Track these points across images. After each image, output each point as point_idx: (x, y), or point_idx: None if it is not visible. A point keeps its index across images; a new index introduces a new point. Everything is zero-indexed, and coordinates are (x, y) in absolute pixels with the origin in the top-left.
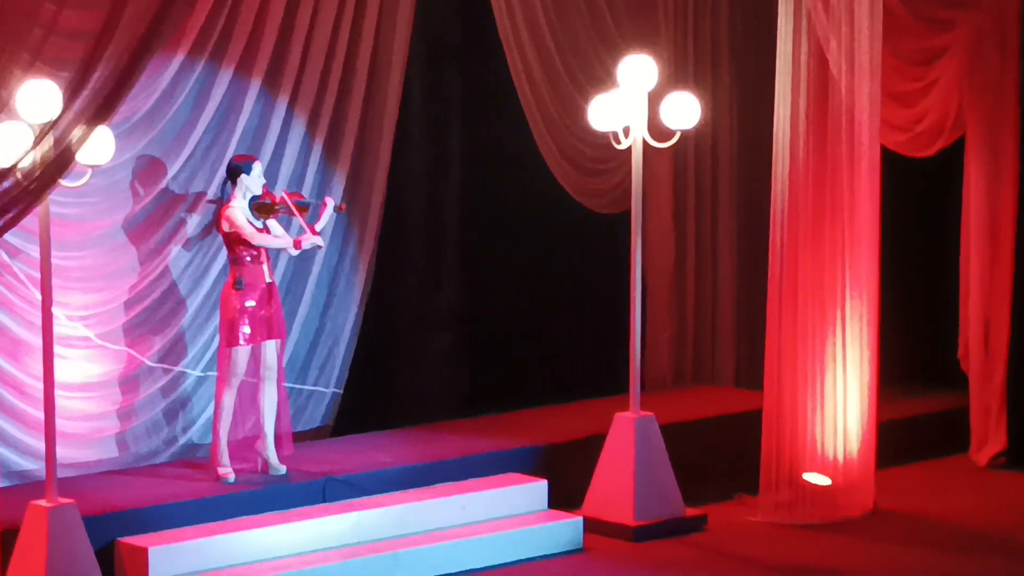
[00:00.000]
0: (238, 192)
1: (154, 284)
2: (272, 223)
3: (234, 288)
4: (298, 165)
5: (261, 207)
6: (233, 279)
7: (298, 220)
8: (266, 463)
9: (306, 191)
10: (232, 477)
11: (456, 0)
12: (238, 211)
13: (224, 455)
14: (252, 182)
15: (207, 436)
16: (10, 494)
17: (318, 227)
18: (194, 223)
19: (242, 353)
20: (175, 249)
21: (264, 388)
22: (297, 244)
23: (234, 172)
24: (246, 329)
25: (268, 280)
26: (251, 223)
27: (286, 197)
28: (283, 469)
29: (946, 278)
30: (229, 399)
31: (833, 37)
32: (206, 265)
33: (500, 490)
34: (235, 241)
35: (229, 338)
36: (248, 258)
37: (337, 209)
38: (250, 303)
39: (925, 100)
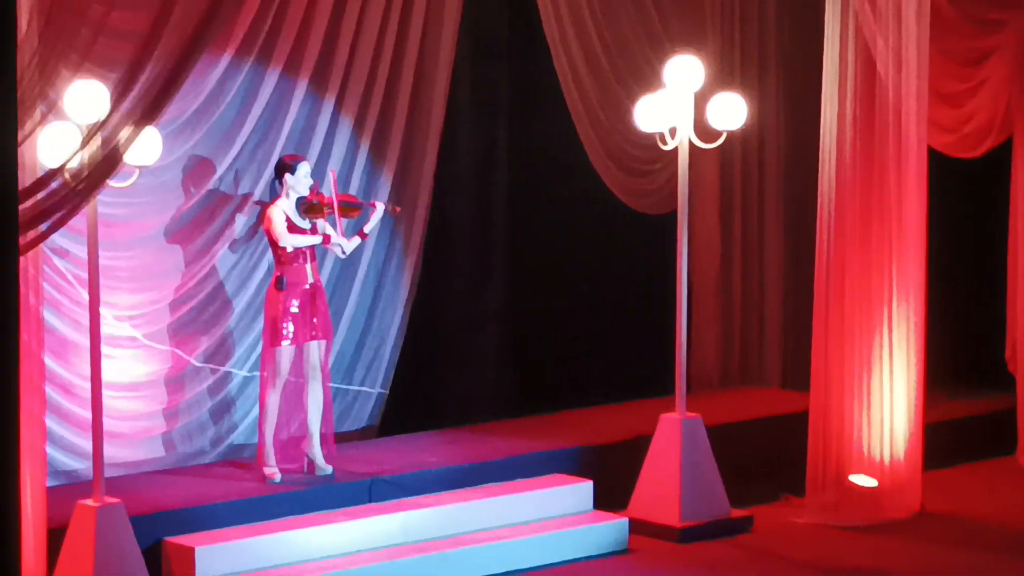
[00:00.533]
0: (284, 192)
1: (201, 284)
2: (324, 224)
3: (276, 288)
4: (345, 165)
5: (308, 207)
6: (276, 279)
7: (345, 221)
8: (312, 463)
9: (352, 191)
10: (278, 477)
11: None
12: (278, 211)
13: (270, 455)
14: (298, 182)
15: (253, 436)
16: (58, 493)
17: (366, 229)
18: (241, 224)
19: (286, 353)
20: (222, 249)
21: (309, 388)
22: (326, 241)
23: (280, 171)
24: (289, 329)
25: (311, 280)
26: (295, 223)
27: (334, 198)
28: (329, 469)
29: (994, 279)
30: (274, 399)
31: (881, 37)
32: (252, 265)
33: (546, 491)
34: (275, 240)
35: (272, 338)
36: (291, 258)
37: (392, 211)
38: (293, 303)
39: (973, 100)
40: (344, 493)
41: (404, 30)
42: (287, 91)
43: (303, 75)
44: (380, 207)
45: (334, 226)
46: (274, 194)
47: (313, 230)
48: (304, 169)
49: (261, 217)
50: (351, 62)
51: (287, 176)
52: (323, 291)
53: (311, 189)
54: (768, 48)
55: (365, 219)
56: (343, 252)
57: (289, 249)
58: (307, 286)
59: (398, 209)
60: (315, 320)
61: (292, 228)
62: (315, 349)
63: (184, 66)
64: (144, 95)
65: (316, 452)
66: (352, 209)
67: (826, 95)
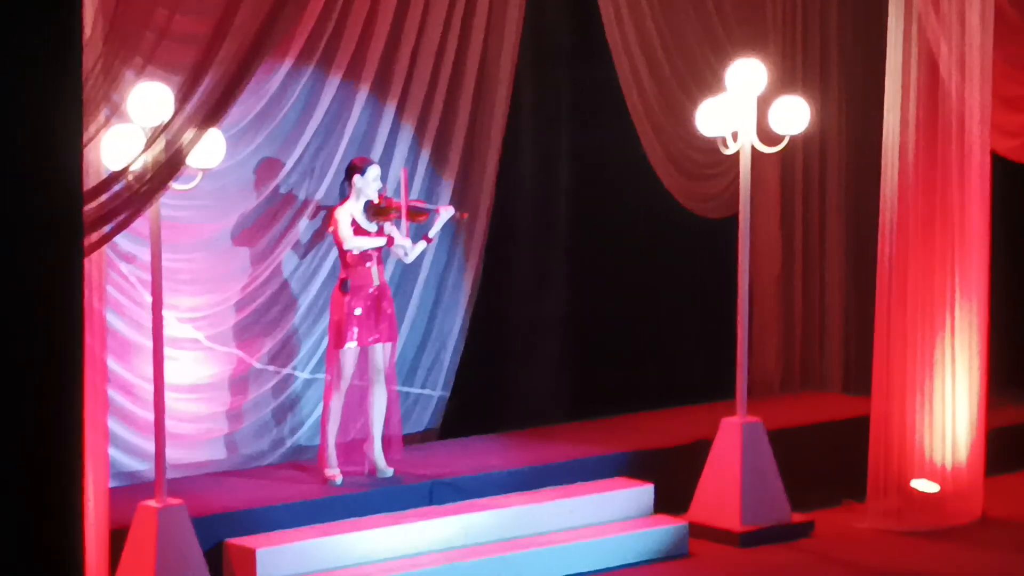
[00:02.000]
0: (353, 194)
1: (263, 286)
2: (390, 227)
3: (341, 290)
4: (408, 166)
5: (376, 210)
6: (341, 281)
7: (411, 225)
8: (374, 466)
9: (414, 195)
10: (339, 479)
11: (565, 3)
12: (344, 213)
13: (332, 457)
14: (367, 185)
15: (315, 438)
16: (120, 494)
17: (431, 233)
18: (304, 227)
19: (349, 356)
20: (284, 252)
21: (373, 391)
22: (390, 242)
23: (350, 173)
24: (353, 332)
25: (377, 283)
26: (360, 226)
27: (403, 200)
28: (390, 472)
29: None
30: (337, 402)
31: (944, 41)
32: (315, 267)
33: (606, 494)
34: (340, 243)
35: (336, 340)
36: (356, 260)
37: (459, 218)
38: (357, 305)
39: None
40: (405, 496)
41: (466, 34)
42: (348, 95)
43: (364, 79)
44: (447, 212)
45: (400, 229)
46: (342, 196)
47: (380, 233)
48: (373, 172)
49: (328, 220)
50: (413, 66)
51: (356, 178)
52: (389, 294)
53: (379, 193)
54: (830, 52)
55: (431, 224)
56: (405, 254)
57: (354, 251)
58: (372, 289)
59: (465, 216)
60: (380, 323)
61: (358, 230)
62: (379, 352)
63: (246, 70)
64: (207, 98)
65: (378, 455)
66: (419, 213)
67: (888, 99)
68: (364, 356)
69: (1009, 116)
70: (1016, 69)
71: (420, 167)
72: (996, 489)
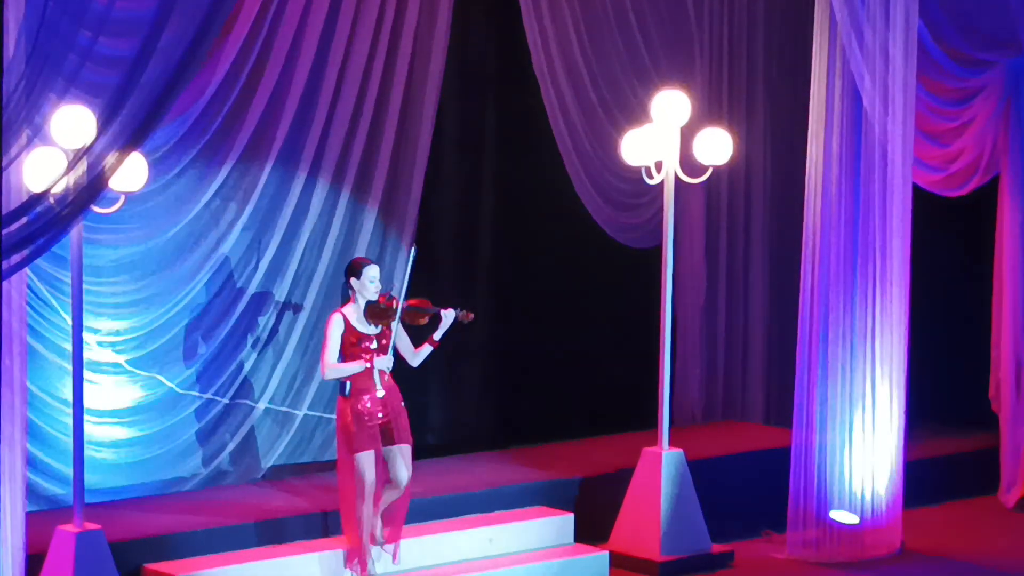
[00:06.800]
0: (354, 296)
1: (185, 311)
2: (397, 326)
3: (341, 394)
4: (330, 195)
5: (374, 312)
6: (341, 384)
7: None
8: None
9: (337, 221)
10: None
11: (491, 31)
12: (338, 322)
13: (367, 559)
14: (363, 287)
15: (235, 462)
16: (38, 519)
17: (436, 336)
18: (228, 250)
19: (366, 462)
20: (207, 276)
21: (385, 496)
22: (371, 365)
23: (347, 275)
24: (363, 437)
25: (380, 393)
26: (356, 328)
27: (406, 305)
28: (390, 549)
29: (979, 317)
30: (367, 509)
31: (867, 73)
32: (237, 293)
33: (527, 522)
34: (344, 344)
35: (347, 446)
36: (354, 356)
37: (463, 318)
38: (361, 410)
39: (960, 139)
40: (324, 523)
41: (391, 60)
42: (273, 120)
43: (290, 104)
44: (450, 314)
45: (397, 331)
46: (344, 299)
47: (382, 334)
48: (370, 273)
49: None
50: (338, 92)
51: (352, 280)
52: (398, 394)
53: (380, 294)
54: (756, 84)
55: (434, 325)
56: (403, 365)
57: (326, 378)
58: (374, 393)
59: (470, 316)
60: (390, 426)
61: (355, 334)
62: (397, 456)
63: (170, 93)
64: (130, 121)
65: (379, 534)
66: (420, 315)
67: (812, 132)
68: (380, 459)
69: (932, 150)
70: (939, 103)
71: (344, 192)
72: (915, 522)
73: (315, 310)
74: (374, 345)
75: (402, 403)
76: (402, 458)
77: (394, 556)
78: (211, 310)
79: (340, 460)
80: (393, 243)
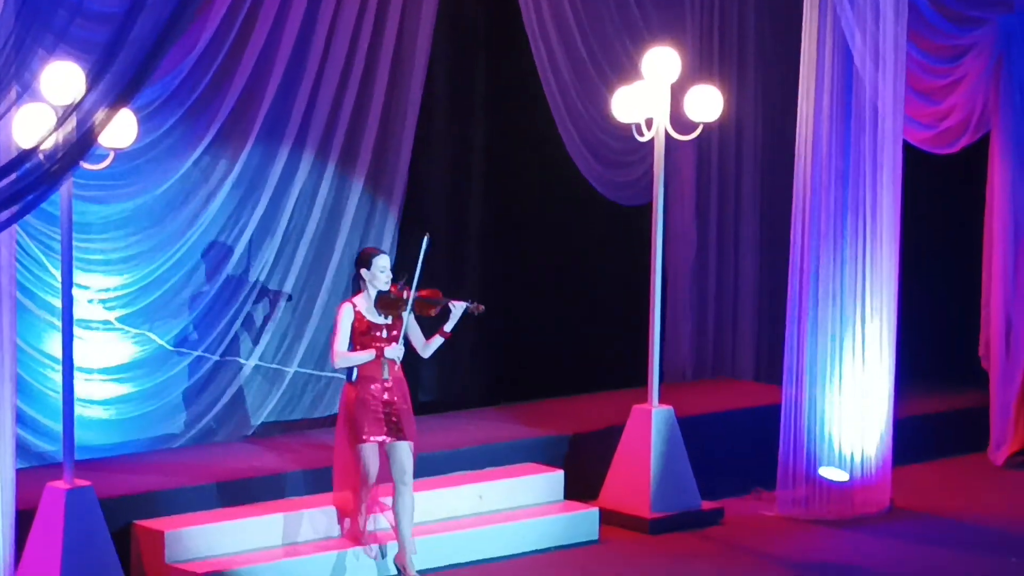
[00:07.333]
0: (364, 287)
1: (174, 268)
2: (408, 316)
3: (348, 380)
4: (319, 154)
5: (385, 302)
6: (348, 370)
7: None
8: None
9: (326, 182)
10: (376, 552)
11: None
12: (348, 312)
13: (370, 545)
14: (374, 277)
15: (224, 420)
16: (28, 475)
17: (447, 328)
18: (217, 208)
19: (370, 454)
20: (197, 233)
21: (398, 491)
22: (379, 353)
23: (357, 265)
24: (366, 427)
25: (386, 376)
26: (367, 318)
27: (418, 296)
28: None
29: (970, 275)
30: (365, 497)
31: (858, 31)
32: (227, 249)
33: (517, 479)
34: (354, 334)
35: (351, 437)
36: (364, 345)
37: (475, 310)
38: (367, 398)
39: (951, 97)
40: (316, 480)
41: (381, 21)
42: (263, 77)
43: (279, 63)
44: (461, 306)
45: (408, 321)
46: (355, 289)
47: (393, 325)
48: (380, 263)
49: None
50: (327, 53)
51: (363, 271)
52: (405, 387)
53: (392, 284)
54: (747, 41)
55: (444, 316)
56: (415, 354)
57: (336, 367)
58: (381, 383)
59: (481, 308)
60: (395, 420)
61: (364, 323)
62: (401, 451)
63: (159, 50)
64: (119, 78)
65: (410, 561)
66: (430, 306)
67: (803, 89)
68: (383, 453)
69: (923, 108)
70: (930, 61)
71: (333, 151)
72: (905, 479)
73: (305, 265)
74: (384, 335)
75: (408, 401)
76: (403, 456)
77: (377, 556)
78: (201, 267)
79: (338, 446)
80: (382, 206)
